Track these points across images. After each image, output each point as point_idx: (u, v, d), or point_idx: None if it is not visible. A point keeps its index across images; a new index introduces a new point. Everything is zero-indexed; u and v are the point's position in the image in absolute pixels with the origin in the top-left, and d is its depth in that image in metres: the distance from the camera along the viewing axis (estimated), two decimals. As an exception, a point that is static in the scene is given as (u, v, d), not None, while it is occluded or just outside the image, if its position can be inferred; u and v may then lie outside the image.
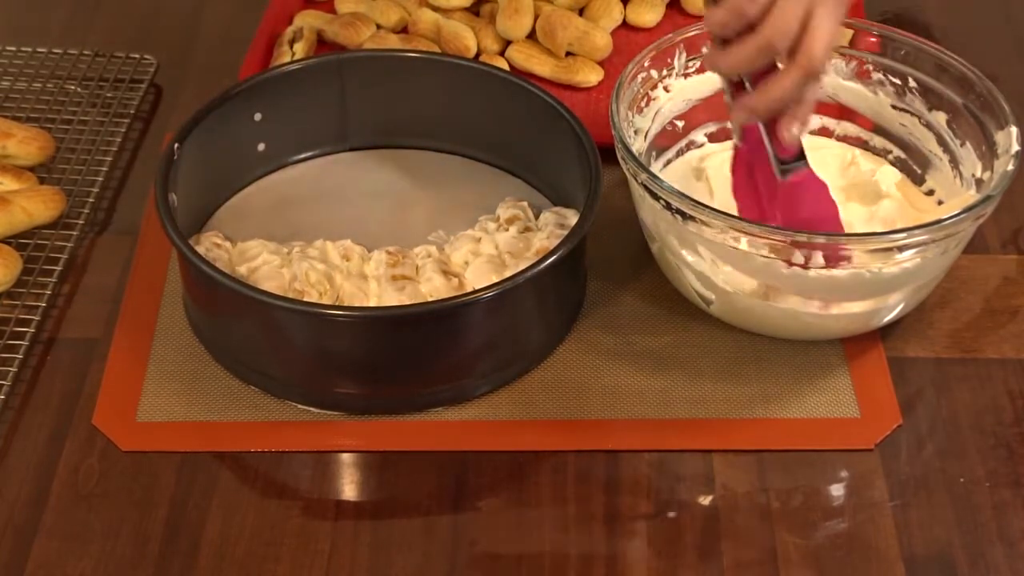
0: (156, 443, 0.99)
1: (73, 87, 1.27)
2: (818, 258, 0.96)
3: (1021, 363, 1.05)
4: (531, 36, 1.28)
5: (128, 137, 1.24)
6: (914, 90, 1.11)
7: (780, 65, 0.94)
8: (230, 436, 1.00)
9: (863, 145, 1.14)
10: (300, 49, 1.26)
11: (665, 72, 1.11)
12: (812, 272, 0.98)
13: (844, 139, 1.15)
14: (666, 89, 1.11)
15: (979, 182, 1.05)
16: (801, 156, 0.99)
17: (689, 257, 1.02)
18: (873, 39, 1.12)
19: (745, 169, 1.01)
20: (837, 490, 0.97)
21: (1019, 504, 0.96)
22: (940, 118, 1.10)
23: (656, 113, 1.11)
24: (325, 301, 1.02)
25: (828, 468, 0.98)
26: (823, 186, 1.02)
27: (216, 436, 1.00)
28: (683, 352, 1.05)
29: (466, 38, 1.27)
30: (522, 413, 1.01)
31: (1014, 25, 1.37)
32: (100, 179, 1.18)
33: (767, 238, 0.96)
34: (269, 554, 0.93)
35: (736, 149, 1.02)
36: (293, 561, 0.92)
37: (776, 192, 1.00)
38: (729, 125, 1.13)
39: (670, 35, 1.11)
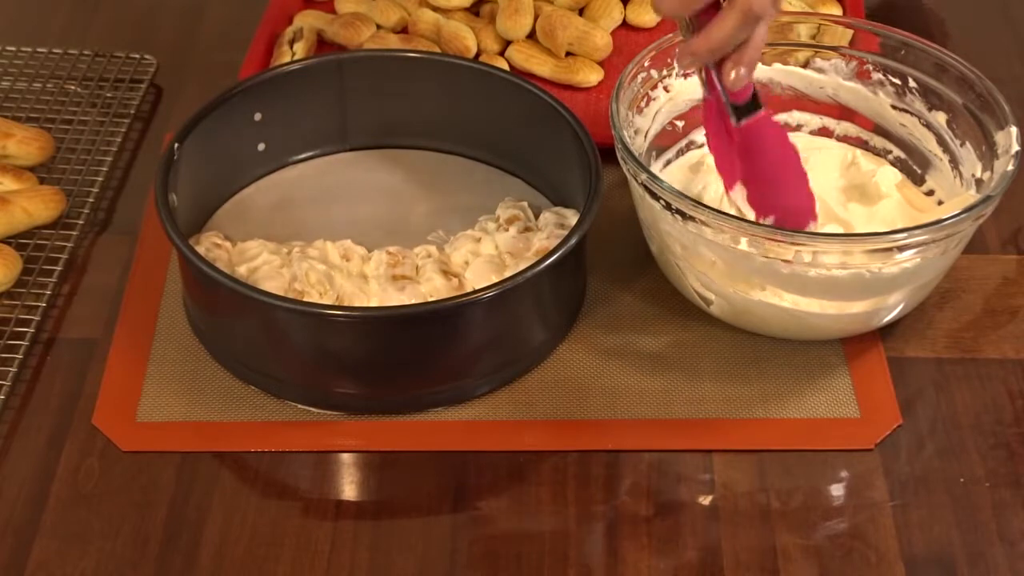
0: (156, 443, 0.99)
1: (73, 87, 1.27)
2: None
3: (1021, 363, 1.05)
4: (531, 36, 1.28)
5: (128, 137, 1.24)
6: (914, 90, 1.11)
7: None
8: (230, 436, 1.00)
9: (863, 145, 1.15)
10: (300, 49, 1.26)
11: (665, 72, 1.11)
12: (812, 272, 0.98)
13: (844, 139, 1.15)
14: (666, 89, 1.11)
15: (979, 182, 1.05)
16: (755, 101, 0.98)
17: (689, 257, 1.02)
18: (873, 39, 1.12)
19: (715, 119, 1.00)
20: (837, 490, 0.97)
21: (1019, 504, 0.96)
22: (940, 118, 1.10)
23: (656, 113, 1.11)
24: (325, 301, 1.02)
25: (828, 468, 0.98)
26: (781, 132, 1.01)
27: (216, 436, 1.00)
28: (683, 352, 1.05)
29: (466, 38, 1.27)
30: (522, 413, 1.01)
31: (1014, 25, 1.37)
32: (100, 179, 1.18)
33: (767, 238, 0.97)
34: (269, 554, 0.93)
35: (705, 100, 1.00)
36: (293, 561, 0.92)
37: (735, 138, 0.99)
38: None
39: (670, 35, 1.11)
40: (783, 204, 1.01)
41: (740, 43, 0.93)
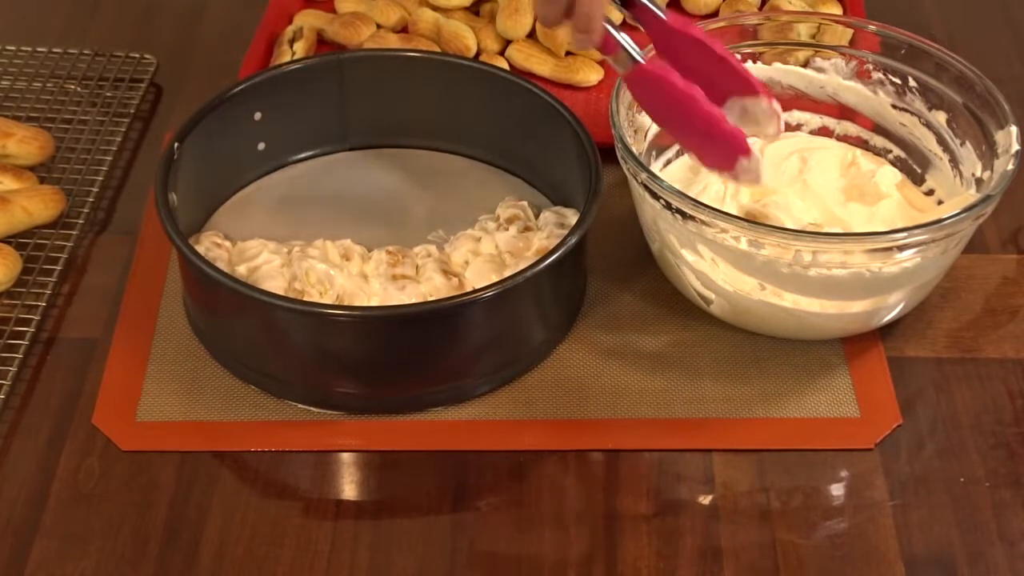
0: (156, 443, 0.99)
1: (73, 87, 1.27)
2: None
3: (1021, 363, 1.05)
4: (531, 35, 1.28)
5: (128, 137, 1.24)
6: (914, 90, 1.11)
7: None
8: (230, 436, 1.00)
9: (863, 145, 1.15)
10: (300, 49, 1.26)
11: (665, 72, 1.11)
12: (812, 272, 0.98)
13: (844, 138, 1.15)
14: (666, 89, 1.11)
15: (979, 182, 1.05)
16: (628, 55, 0.98)
17: (689, 256, 1.02)
18: (873, 39, 1.12)
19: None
20: (837, 490, 0.97)
21: (1019, 504, 0.96)
22: (940, 118, 1.10)
23: (656, 113, 1.11)
24: (325, 301, 1.02)
25: (828, 468, 0.98)
26: (667, 79, 0.98)
27: (216, 436, 1.00)
28: (683, 352, 1.05)
29: (466, 38, 1.27)
30: (522, 413, 1.01)
31: (1014, 25, 1.37)
32: (100, 179, 1.18)
33: (767, 238, 0.97)
34: (269, 554, 0.93)
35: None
36: (293, 561, 0.92)
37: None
38: None
39: (670, 35, 1.11)
40: (693, 145, 1.01)
41: (568, 7, 0.95)
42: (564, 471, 0.98)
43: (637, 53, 0.98)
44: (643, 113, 1.09)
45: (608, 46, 0.98)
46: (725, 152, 0.98)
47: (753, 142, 0.99)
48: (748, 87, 1.01)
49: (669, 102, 0.99)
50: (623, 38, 0.98)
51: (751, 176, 0.99)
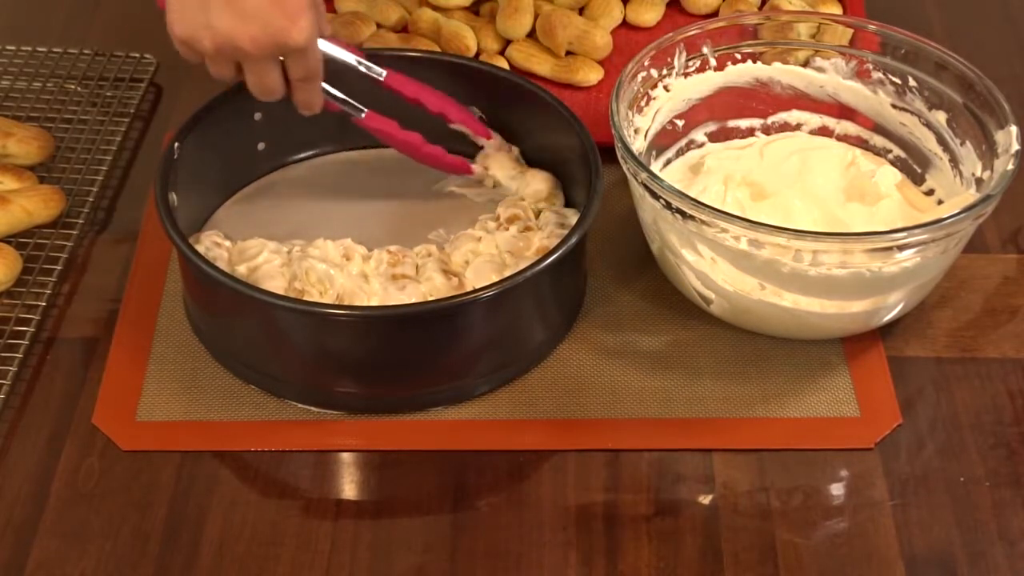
0: (156, 442, 0.99)
1: (73, 86, 1.27)
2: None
3: (1021, 363, 1.05)
4: (531, 35, 1.28)
5: (128, 137, 1.24)
6: (914, 89, 1.11)
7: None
8: (230, 436, 1.00)
9: (863, 144, 1.15)
10: (300, 48, 1.25)
11: (665, 71, 1.11)
12: (812, 272, 0.98)
13: (844, 139, 1.15)
14: (666, 88, 1.11)
15: (979, 181, 1.05)
16: (347, 110, 1.09)
17: (689, 256, 1.02)
18: (873, 39, 1.12)
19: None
20: (837, 489, 0.98)
21: (1019, 504, 0.96)
22: (940, 117, 1.10)
23: (656, 112, 1.11)
24: (325, 300, 1.02)
25: (828, 467, 0.98)
26: (387, 127, 1.11)
27: (216, 435, 1.00)
28: (683, 352, 1.05)
29: (466, 37, 1.27)
30: (522, 413, 1.01)
31: (1014, 25, 1.37)
32: (100, 179, 1.18)
33: (768, 238, 0.97)
34: (269, 554, 0.93)
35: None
36: (293, 561, 0.92)
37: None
38: (729, 124, 1.14)
39: (670, 34, 1.11)
40: (430, 164, 1.13)
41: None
42: (564, 471, 0.98)
43: (357, 109, 1.09)
44: (642, 113, 1.10)
45: (332, 108, 1.08)
46: (455, 171, 1.13)
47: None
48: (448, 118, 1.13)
49: (395, 143, 1.12)
50: (342, 99, 1.08)
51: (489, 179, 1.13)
